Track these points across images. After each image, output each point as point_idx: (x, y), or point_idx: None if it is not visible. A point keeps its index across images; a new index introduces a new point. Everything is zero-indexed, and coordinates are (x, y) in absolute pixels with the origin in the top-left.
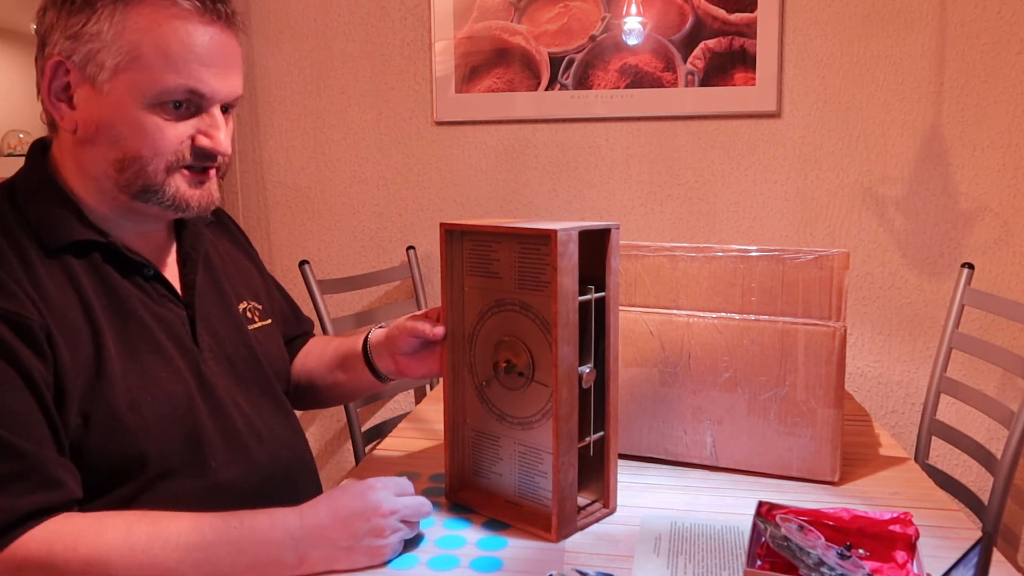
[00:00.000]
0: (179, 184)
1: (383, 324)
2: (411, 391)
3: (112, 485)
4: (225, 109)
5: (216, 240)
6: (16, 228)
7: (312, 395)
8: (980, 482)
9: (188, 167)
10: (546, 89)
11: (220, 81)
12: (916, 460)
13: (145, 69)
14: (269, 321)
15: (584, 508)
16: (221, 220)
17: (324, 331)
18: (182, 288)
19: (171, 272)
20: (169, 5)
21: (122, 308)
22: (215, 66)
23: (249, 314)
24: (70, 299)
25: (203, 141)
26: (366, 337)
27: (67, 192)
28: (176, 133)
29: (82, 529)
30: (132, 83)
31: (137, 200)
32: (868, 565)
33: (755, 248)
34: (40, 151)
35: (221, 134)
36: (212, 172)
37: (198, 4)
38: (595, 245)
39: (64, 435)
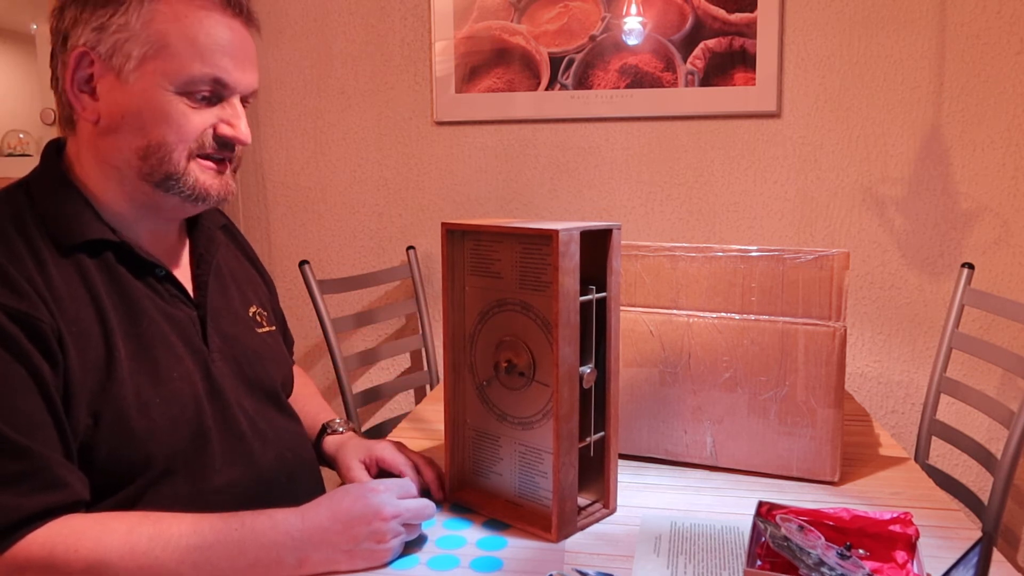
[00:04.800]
0: (199, 173)
1: (333, 429)
2: (411, 391)
3: (119, 486)
4: (242, 102)
5: (225, 246)
6: (31, 226)
7: None
8: (980, 482)
9: (207, 156)
10: (546, 89)
11: (241, 73)
12: (916, 460)
13: (173, 57)
14: (274, 328)
15: (584, 508)
16: (229, 230)
17: (324, 331)
18: (194, 289)
19: (183, 273)
20: None
21: (134, 308)
22: (237, 58)
23: (258, 318)
24: (82, 299)
25: (225, 130)
26: (321, 433)
27: (82, 191)
28: (201, 119)
29: (83, 531)
30: (159, 71)
31: (159, 189)
32: (868, 565)
33: (755, 248)
34: (55, 151)
35: (242, 123)
36: (227, 164)
37: None
38: (596, 245)
39: (72, 437)
